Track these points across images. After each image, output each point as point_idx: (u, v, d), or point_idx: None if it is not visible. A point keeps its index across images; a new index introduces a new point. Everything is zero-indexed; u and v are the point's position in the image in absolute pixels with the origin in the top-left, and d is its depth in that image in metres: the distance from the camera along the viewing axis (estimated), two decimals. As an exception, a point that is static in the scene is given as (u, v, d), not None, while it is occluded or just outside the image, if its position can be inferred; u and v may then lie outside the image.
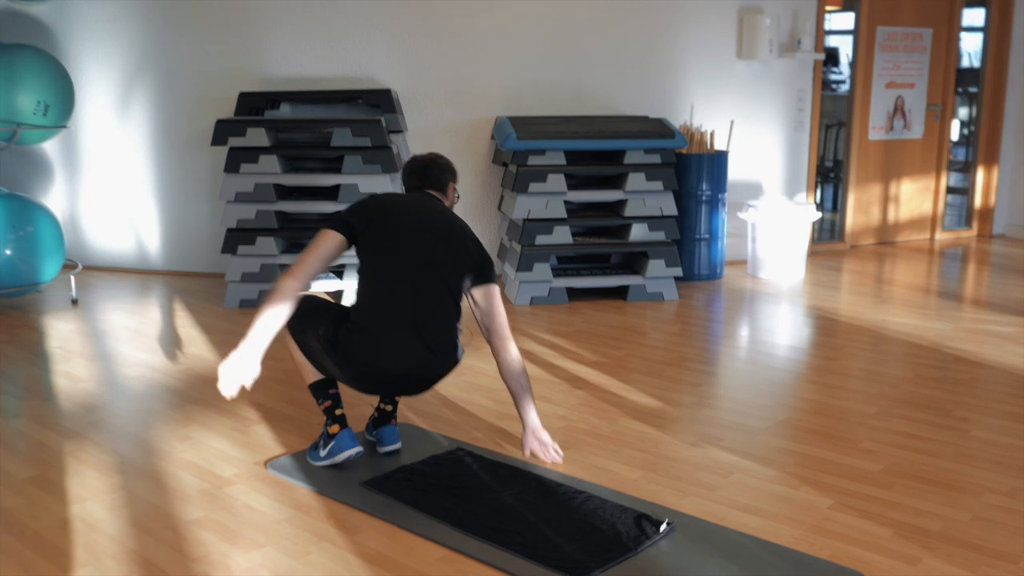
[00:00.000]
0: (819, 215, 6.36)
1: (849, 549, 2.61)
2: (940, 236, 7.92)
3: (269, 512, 2.80)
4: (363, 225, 3.00)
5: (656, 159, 5.55)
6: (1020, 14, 7.70)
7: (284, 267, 5.45)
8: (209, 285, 5.88)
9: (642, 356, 4.53)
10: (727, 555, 2.55)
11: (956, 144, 8.06)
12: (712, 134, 6.24)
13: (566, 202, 5.47)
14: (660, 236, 5.58)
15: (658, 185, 5.52)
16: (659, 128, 5.60)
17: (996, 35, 7.76)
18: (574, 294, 5.58)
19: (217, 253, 6.01)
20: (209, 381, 4.01)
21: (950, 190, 8.00)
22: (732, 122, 6.30)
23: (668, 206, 5.57)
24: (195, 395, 3.87)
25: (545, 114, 5.95)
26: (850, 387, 4.08)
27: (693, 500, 2.90)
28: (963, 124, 8.35)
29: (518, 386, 3.15)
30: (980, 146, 7.98)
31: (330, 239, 2.96)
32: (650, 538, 2.62)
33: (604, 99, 6.18)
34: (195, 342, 4.66)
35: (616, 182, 5.58)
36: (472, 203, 6.12)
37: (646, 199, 5.52)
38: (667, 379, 4.18)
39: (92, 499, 2.88)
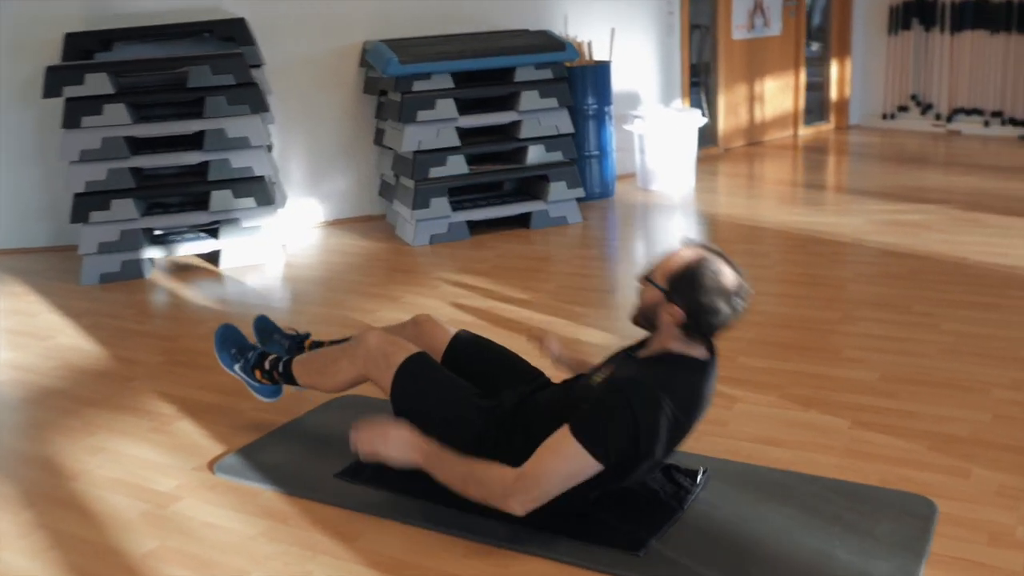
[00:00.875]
0: (705, 120, 6.18)
1: (896, 471, 2.42)
2: (802, 132, 7.96)
3: (238, 528, 2.33)
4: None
5: (548, 74, 5.17)
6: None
7: (148, 232, 4.77)
8: (57, 261, 5.09)
9: (573, 286, 4.22)
10: (780, 498, 2.30)
11: (811, 39, 8.07)
12: (590, 44, 5.91)
13: (457, 128, 5.02)
14: (558, 156, 5.23)
15: (552, 102, 5.15)
16: (547, 41, 5.21)
17: (840, -75, 7.75)
18: (474, 227, 5.18)
19: (58, 223, 5.21)
20: (100, 375, 3.40)
21: (808, 86, 8.03)
22: (613, 30, 5.97)
23: (564, 124, 5.22)
24: (87, 395, 3.25)
25: (415, 35, 5.43)
26: (800, 294, 3.92)
27: (709, 440, 2.63)
28: (816, 18, 8.35)
29: None
30: (832, 40, 8.02)
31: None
32: (691, 492, 2.33)
33: (476, 15, 5.71)
34: (62, 330, 3.97)
35: (508, 102, 5.17)
36: (344, 140, 5.57)
37: (541, 118, 5.15)
38: (612, 307, 3.89)
39: (3, 548, 2.30)
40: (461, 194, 5.28)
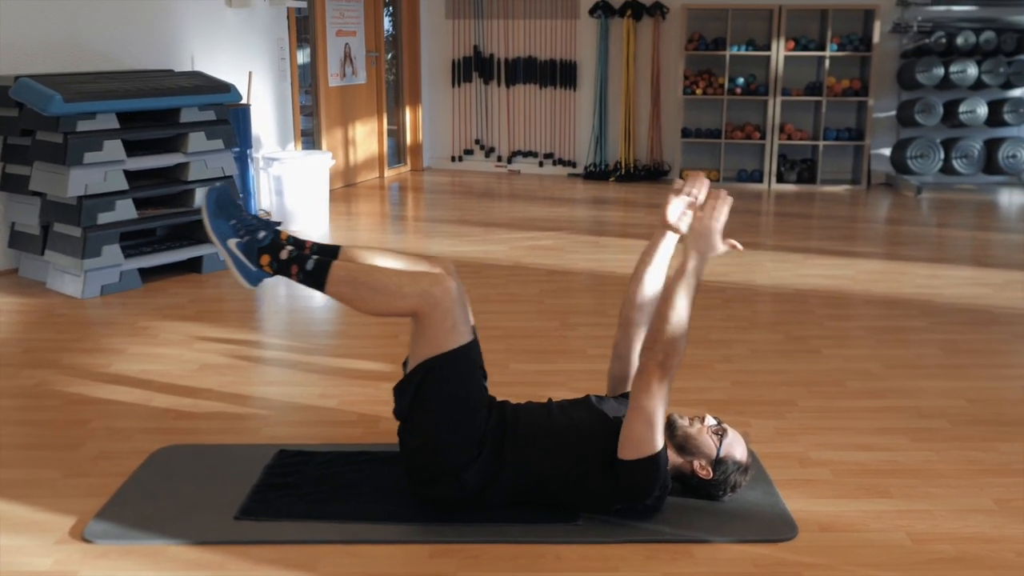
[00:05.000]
0: (334, 161, 6.47)
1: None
2: (387, 174, 8.59)
3: (181, 585, 2.19)
4: None
5: (211, 115, 5.10)
6: (423, -32, 8.58)
7: None
8: None
9: (295, 321, 4.29)
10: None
11: (391, 88, 8.74)
12: (223, 87, 5.89)
13: (125, 171, 4.74)
14: (223, 198, 5.18)
15: (219, 144, 5.09)
16: (211, 82, 5.14)
17: (407, -14, 8.55)
18: (144, 275, 4.90)
19: None
20: None
21: (388, 132, 8.69)
22: (251, 73, 6.02)
23: (229, 166, 5.19)
24: None
25: (40, 72, 4.98)
26: (515, 311, 4.44)
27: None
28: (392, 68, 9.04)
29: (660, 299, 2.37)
30: (405, 90, 8.78)
31: None
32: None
33: (107, 52, 5.39)
34: None
35: (174, 144, 4.99)
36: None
37: (207, 160, 5.06)
38: (352, 337, 4.06)
39: None
40: (127, 240, 4.96)
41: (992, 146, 7.82)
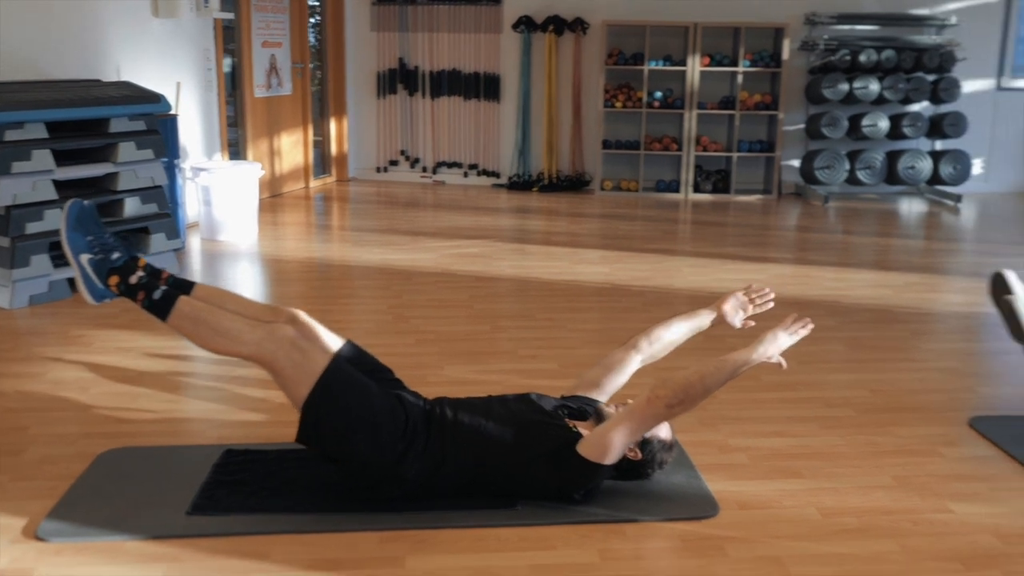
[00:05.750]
0: (263, 172, 6.53)
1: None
2: (313, 184, 8.65)
3: (140, 576, 2.27)
4: None
5: (141, 125, 5.13)
6: (347, -19, 8.68)
7: None
8: None
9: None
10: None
11: (317, 99, 8.80)
12: (150, 97, 5.91)
13: (54, 181, 4.75)
14: (153, 208, 5.21)
15: (149, 154, 5.13)
16: (140, 92, 5.17)
17: (331, -1, 8.64)
18: (73, 284, 4.90)
19: None
20: None
21: (313, 143, 8.75)
22: (179, 84, 6.05)
23: (159, 175, 5.23)
24: None
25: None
26: (445, 315, 4.59)
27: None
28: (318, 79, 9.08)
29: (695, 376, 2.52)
30: (331, 100, 8.86)
31: None
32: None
33: (33, 61, 5.36)
34: None
35: (104, 154, 5.01)
36: None
37: (137, 170, 5.09)
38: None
39: None
40: (56, 250, 4.94)
41: (893, 158, 8.27)
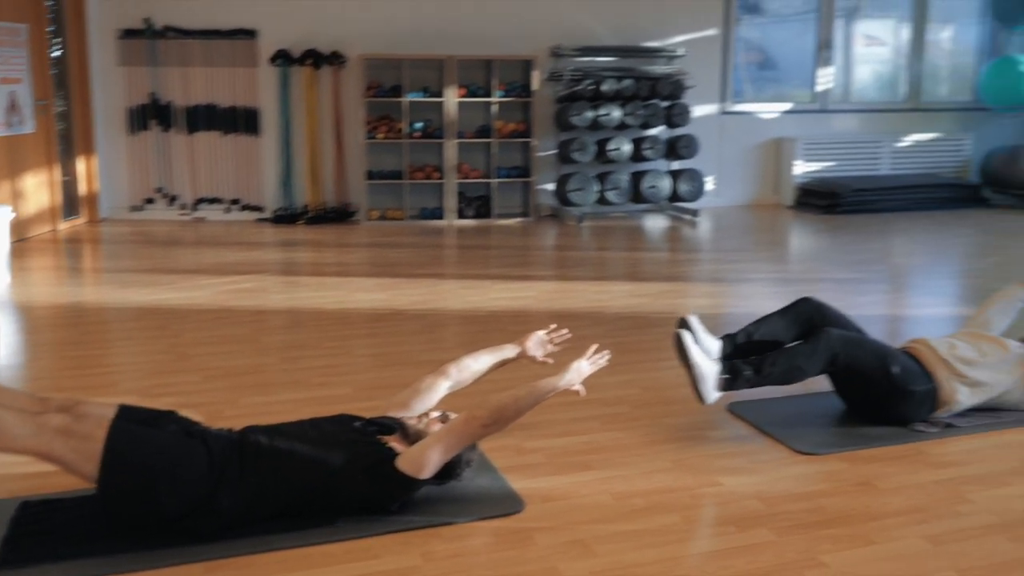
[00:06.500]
0: (15, 215, 6.15)
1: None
2: (61, 226, 8.20)
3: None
4: None
5: None
6: (91, 7, 8.31)
7: None
8: None
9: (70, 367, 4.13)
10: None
11: (62, 136, 8.32)
12: None
13: None
14: None
15: None
16: None
17: (74, 30, 8.24)
18: None
19: None
20: None
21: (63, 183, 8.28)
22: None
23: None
24: None
25: None
26: (230, 350, 4.56)
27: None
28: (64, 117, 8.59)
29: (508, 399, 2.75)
30: (77, 138, 8.44)
31: None
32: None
33: None
34: None
35: None
36: None
37: None
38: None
39: None
40: None
41: (637, 178, 9.00)
